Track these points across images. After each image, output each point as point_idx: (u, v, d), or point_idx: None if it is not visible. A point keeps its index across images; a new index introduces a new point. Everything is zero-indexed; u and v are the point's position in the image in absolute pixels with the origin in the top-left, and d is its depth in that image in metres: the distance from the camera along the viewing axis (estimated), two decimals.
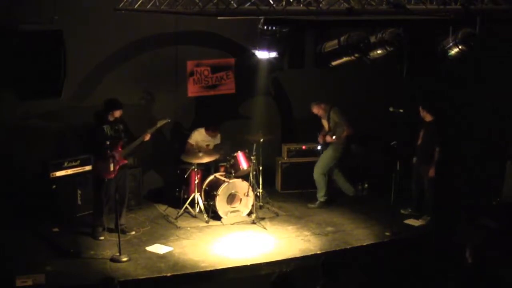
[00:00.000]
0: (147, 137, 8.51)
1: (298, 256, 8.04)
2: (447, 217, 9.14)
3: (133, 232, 8.61)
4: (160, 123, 8.72)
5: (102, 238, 8.35)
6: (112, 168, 8.16)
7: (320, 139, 9.82)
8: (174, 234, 8.61)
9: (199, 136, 9.65)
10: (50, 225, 8.65)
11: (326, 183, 9.73)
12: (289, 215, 9.41)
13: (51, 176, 8.83)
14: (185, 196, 9.31)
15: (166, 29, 9.60)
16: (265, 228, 8.87)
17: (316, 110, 9.69)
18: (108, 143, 8.18)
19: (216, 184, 9.16)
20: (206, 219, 9.04)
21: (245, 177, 9.37)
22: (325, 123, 9.75)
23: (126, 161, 8.41)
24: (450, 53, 8.12)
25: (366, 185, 10.29)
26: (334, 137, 9.55)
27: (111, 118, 8.30)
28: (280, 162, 10.47)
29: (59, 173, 8.91)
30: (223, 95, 10.25)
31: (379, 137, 9.90)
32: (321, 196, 9.71)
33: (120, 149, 8.29)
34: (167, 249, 8.12)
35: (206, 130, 9.66)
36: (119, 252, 7.72)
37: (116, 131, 8.31)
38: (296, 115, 10.93)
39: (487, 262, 6.21)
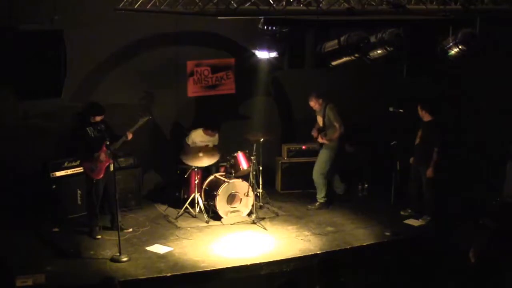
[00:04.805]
0: (130, 136, 8.46)
1: (298, 256, 8.03)
2: (447, 217, 9.14)
3: (131, 229, 8.62)
4: (141, 121, 8.56)
5: (99, 236, 8.38)
6: (99, 169, 8.23)
7: (314, 133, 9.72)
8: (174, 234, 8.61)
9: (196, 137, 9.60)
10: (50, 225, 8.65)
11: (326, 184, 9.70)
12: (289, 215, 9.41)
13: (51, 176, 8.84)
14: (185, 196, 9.32)
15: (166, 29, 9.58)
16: (265, 228, 8.87)
17: (313, 103, 9.60)
18: (93, 144, 8.23)
19: (216, 184, 9.16)
20: (206, 219, 9.04)
21: (245, 177, 9.37)
22: (319, 118, 9.69)
23: (111, 161, 8.24)
24: (450, 53, 8.10)
25: (366, 185, 10.29)
26: (326, 138, 9.51)
27: (92, 120, 8.33)
28: (280, 162, 10.46)
29: (59, 173, 8.92)
30: (223, 95, 10.26)
31: (379, 137, 9.89)
32: (321, 197, 9.68)
33: (105, 149, 8.26)
34: (167, 249, 8.12)
35: (205, 130, 9.64)
36: (119, 252, 7.72)
37: (99, 131, 8.31)
38: (296, 115, 10.92)
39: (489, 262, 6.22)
